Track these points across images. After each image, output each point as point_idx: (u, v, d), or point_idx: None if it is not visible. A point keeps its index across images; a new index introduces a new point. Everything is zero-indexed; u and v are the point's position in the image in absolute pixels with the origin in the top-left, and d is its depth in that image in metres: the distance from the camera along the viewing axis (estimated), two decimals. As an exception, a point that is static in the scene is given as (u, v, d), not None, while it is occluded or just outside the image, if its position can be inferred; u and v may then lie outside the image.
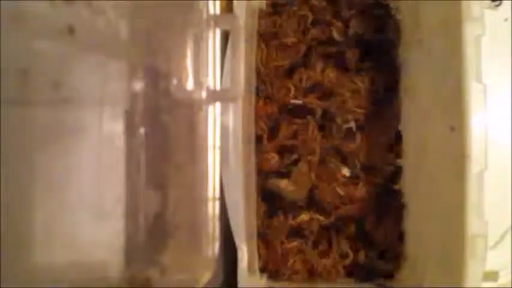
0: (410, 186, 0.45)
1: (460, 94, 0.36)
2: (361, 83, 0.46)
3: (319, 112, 0.45)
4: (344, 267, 0.45)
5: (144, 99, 0.34)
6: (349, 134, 0.46)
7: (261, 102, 0.45)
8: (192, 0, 0.34)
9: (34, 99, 0.31)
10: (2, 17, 0.30)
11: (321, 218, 0.45)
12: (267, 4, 0.46)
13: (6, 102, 0.30)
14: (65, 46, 0.32)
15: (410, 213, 0.44)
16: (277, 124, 0.45)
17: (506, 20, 0.47)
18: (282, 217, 0.45)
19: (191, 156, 0.34)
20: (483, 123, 0.35)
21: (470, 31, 0.36)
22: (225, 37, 0.36)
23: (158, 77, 0.34)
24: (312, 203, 0.45)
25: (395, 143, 0.46)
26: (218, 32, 0.35)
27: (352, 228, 0.45)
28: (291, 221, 0.45)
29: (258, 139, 0.45)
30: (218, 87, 0.35)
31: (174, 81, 0.34)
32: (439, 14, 0.40)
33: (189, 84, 0.34)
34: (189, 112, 0.34)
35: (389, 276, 0.44)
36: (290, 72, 0.46)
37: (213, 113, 0.34)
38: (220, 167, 0.35)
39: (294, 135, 0.45)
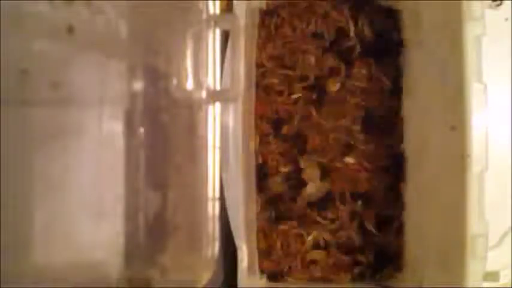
0: (411, 186, 0.45)
1: (460, 94, 0.36)
2: (362, 83, 0.46)
3: (320, 111, 0.45)
4: (344, 267, 0.44)
5: (144, 99, 0.34)
6: (353, 133, 0.46)
7: (261, 102, 0.45)
8: (192, 0, 0.34)
9: (34, 99, 0.31)
10: (2, 17, 0.30)
11: (323, 219, 0.45)
12: (267, 3, 0.46)
13: (6, 102, 0.30)
14: (65, 46, 0.32)
15: (410, 213, 0.44)
16: (278, 123, 0.45)
17: (506, 19, 0.46)
18: (282, 217, 0.45)
19: (191, 156, 0.34)
20: (484, 123, 0.35)
21: (470, 31, 0.36)
22: (225, 37, 0.36)
23: (158, 77, 0.34)
24: (314, 203, 0.45)
25: (396, 143, 0.46)
26: (218, 32, 0.34)
27: (352, 229, 0.45)
28: (291, 222, 0.45)
29: (259, 138, 0.45)
30: (218, 87, 0.35)
31: (174, 81, 0.34)
32: (439, 14, 0.39)
33: (189, 84, 0.34)
34: (189, 112, 0.34)
35: (390, 276, 0.44)
36: (291, 71, 0.46)
37: (213, 113, 0.34)
38: (220, 167, 0.35)
39: (296, 134, 0.45)
